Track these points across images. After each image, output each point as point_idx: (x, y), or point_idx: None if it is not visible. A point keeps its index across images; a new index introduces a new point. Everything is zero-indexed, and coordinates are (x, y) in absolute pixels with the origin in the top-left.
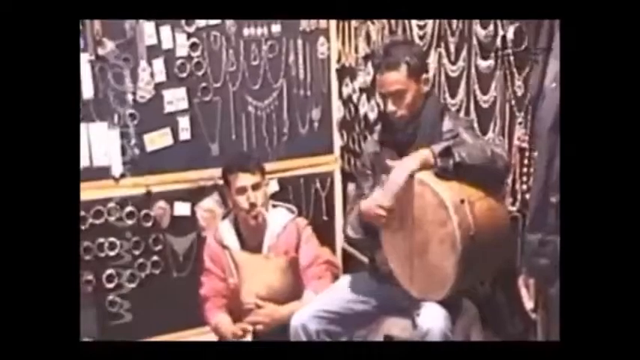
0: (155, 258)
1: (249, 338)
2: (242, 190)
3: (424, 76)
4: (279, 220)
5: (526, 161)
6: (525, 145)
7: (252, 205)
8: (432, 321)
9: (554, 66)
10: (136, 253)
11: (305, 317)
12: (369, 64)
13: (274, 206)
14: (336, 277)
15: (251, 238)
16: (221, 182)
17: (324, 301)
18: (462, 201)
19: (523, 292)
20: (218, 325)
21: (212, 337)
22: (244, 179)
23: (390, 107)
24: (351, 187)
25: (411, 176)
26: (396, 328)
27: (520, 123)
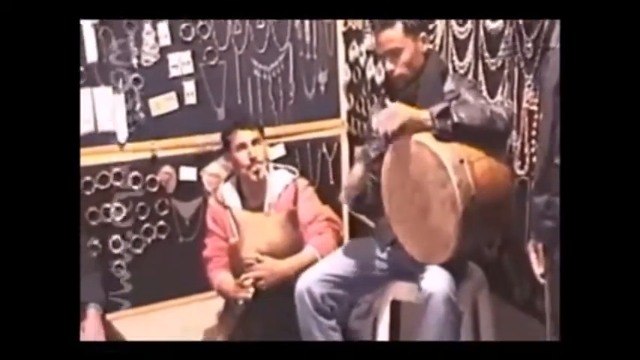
0: (161, 223)
1: (250, 294)
2: (242, 146)
3: (422, 34)
4: (281, 180)
5: (535, 124)
6: (534, 107)
7: (253, 160)
8: (435, 284)
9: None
10: (142, 218)
11: (310, 281)
12: None
13: (276, 168)
14: (337, 234)
15: (252, 198)
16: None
17: (330, 265)
18: (462, 161)
19: (532, 257)
20: (221, 283)
21: (218, 301)
22: (243, 135)
23: (388, 66)
24: (357, 150)
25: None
26: (402, 292)
27: (529, 85)
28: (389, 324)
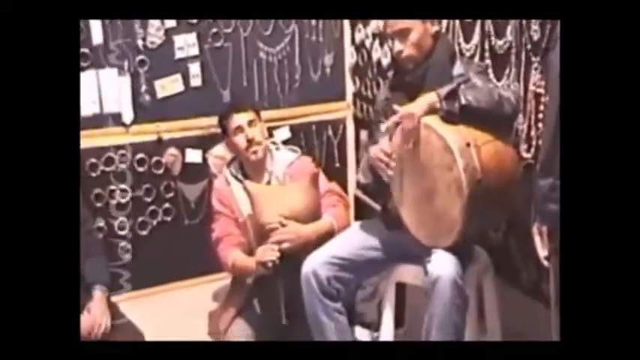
0: (167, 205)
1: (276, 257)
2: (239, 130)
3: None
4: (284, 159)
5: (542, 107)
6: (541, 90)
7: (250, 141)
8: (442, 268)
9: None
10: (148, 200)
11: (316, 263)
12: None
13: (277, 149)
14: (347, 210)
15: (256, 178)
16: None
17: (336, 247)
18: (468, 144)
19: (537, 240)
20: (235, 262)
21: (223, 283)
22: (239, 119)
23: (397, 46)
24: (363, 134)
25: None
26: (407, 275)
27: (536, 68)
28: (394, 307)
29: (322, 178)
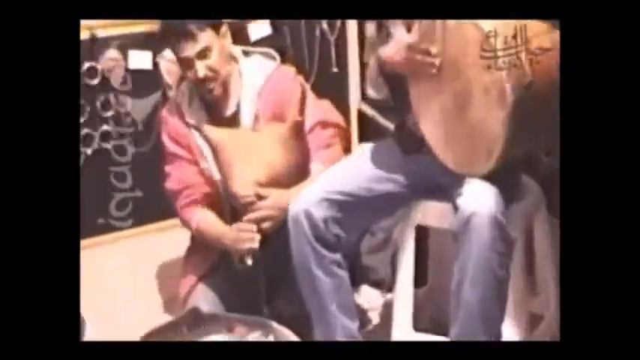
0: (105, 128)
1: (256, 243)
2: (187, 62)
3: None
4: (256, 73)
5: None
6: None
7: (202, 80)
8: (478, 202)
9: None
10: (80, 120)
11: (309, 201)
12: None
13: (247, 54)
14: (346, 144)
15: (221, 108)
16: None
17: (335, 179)
18: (515, 36)
19: None
20: (200, 224)
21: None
22: (185, 49)
23: None
24: (370, 26)
25: None
26: (431, 214)
27: None
28: (413, 259)
29: (310, 99)
